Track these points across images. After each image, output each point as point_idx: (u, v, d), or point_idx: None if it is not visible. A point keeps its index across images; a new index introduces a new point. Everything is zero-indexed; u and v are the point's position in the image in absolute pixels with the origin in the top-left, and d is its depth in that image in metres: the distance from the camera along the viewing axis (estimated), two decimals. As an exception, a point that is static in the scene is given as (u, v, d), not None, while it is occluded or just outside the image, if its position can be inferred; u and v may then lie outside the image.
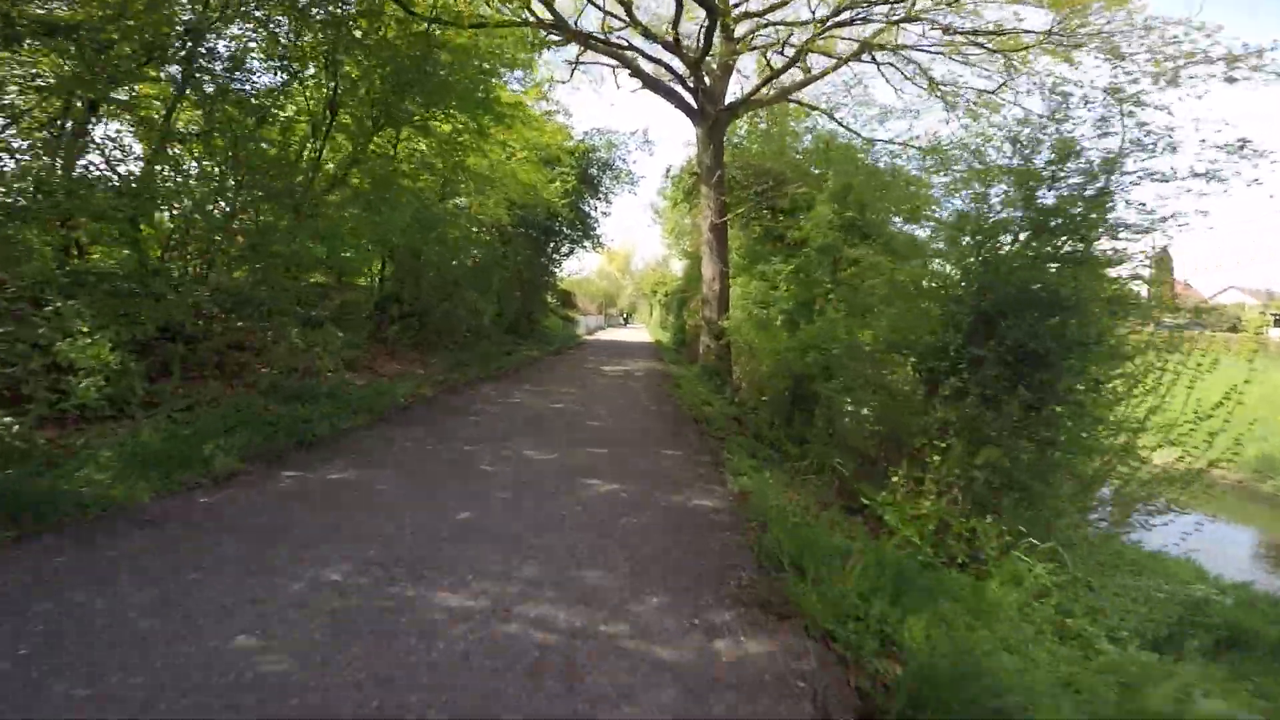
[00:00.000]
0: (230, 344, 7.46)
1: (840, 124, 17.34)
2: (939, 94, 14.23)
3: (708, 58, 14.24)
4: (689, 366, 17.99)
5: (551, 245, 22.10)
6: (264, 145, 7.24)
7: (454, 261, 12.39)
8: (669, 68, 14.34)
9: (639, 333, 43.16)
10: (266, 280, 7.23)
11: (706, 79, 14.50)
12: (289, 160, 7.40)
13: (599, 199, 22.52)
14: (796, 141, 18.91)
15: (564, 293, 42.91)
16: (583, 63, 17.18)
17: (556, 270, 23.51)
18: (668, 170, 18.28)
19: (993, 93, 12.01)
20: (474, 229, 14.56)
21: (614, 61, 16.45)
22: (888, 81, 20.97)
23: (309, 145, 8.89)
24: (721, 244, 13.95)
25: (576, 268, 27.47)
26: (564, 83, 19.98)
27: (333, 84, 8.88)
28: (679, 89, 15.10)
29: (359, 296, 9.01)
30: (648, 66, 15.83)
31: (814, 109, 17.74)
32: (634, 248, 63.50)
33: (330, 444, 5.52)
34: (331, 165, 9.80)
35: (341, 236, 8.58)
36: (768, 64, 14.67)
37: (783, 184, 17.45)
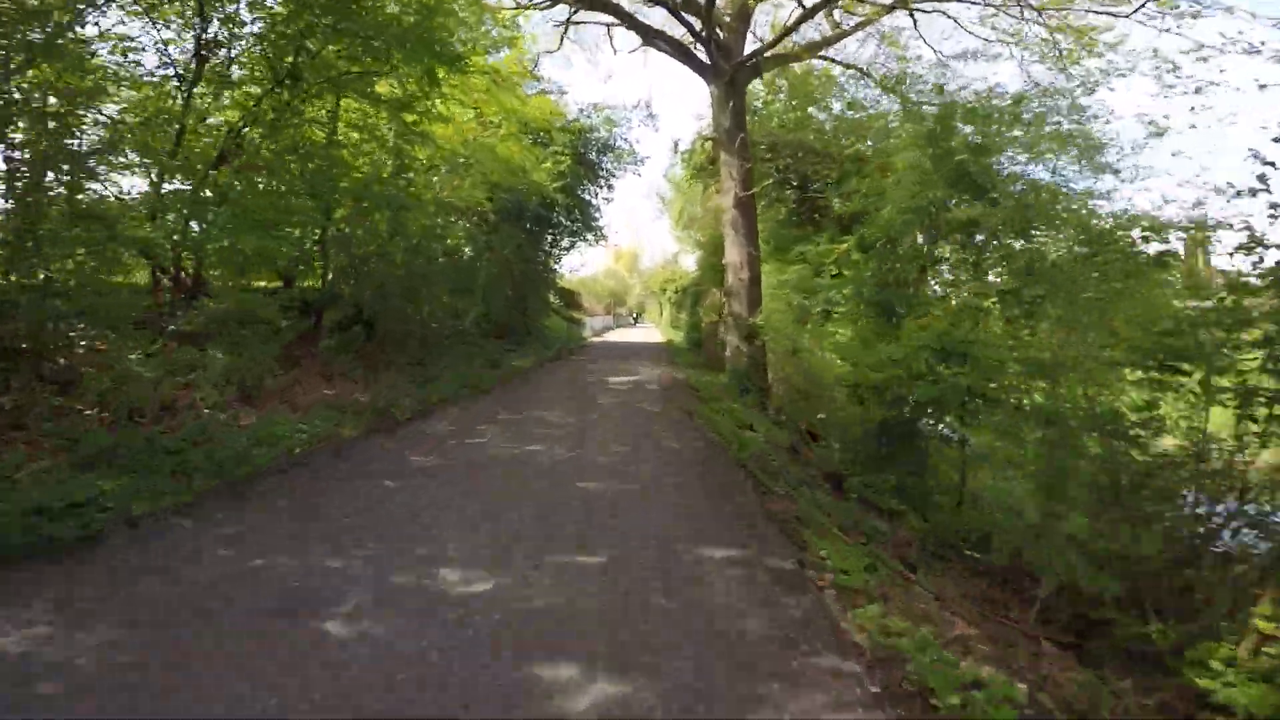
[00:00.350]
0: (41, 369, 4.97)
1: (880, 85, 14.70)
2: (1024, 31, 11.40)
3: (719, 4, 11.65)
4: (710, 372, 15.30)
5: (550, 237, 19.55)
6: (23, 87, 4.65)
7: (420, 252, 9.80)
8: (676, 12, 11.70)
9: (649, 332, 40.43)
10: (78, 278, 4.70)
11: (720, 31, 11.87)
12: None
13: (599, 184, 19.94)
14: (824, 110, 16.33)
15: (568, 292, 40.32)
16: (574, 22, 14.65)
17: (556, 266, 20.93)
18: (675, 145, 15.66)
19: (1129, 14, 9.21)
20: (450, 216, 12.03)
21: (610, 18, 13.94)
22: (925, 40, 18.21)
23: (170, 99, 6.42)
24: (750, 221, 11.26)
25: (578, 263, 24.77)
26: (552, 52, 17.49)
27: (198, 20, 6.39)
28: (689, 44, 12.52)
29: (256, 301, 6.43)
30: (652, 20, 13.29)
31: (847, 67, 15.10)
32: (641, 246, 60.96)
33: (55, 562, 2.93)
34: (236, 131, 7.31)
35: (218, 218, 6.02)
36: (799, 2, 11.95)
37: (810, 155, 14.81)
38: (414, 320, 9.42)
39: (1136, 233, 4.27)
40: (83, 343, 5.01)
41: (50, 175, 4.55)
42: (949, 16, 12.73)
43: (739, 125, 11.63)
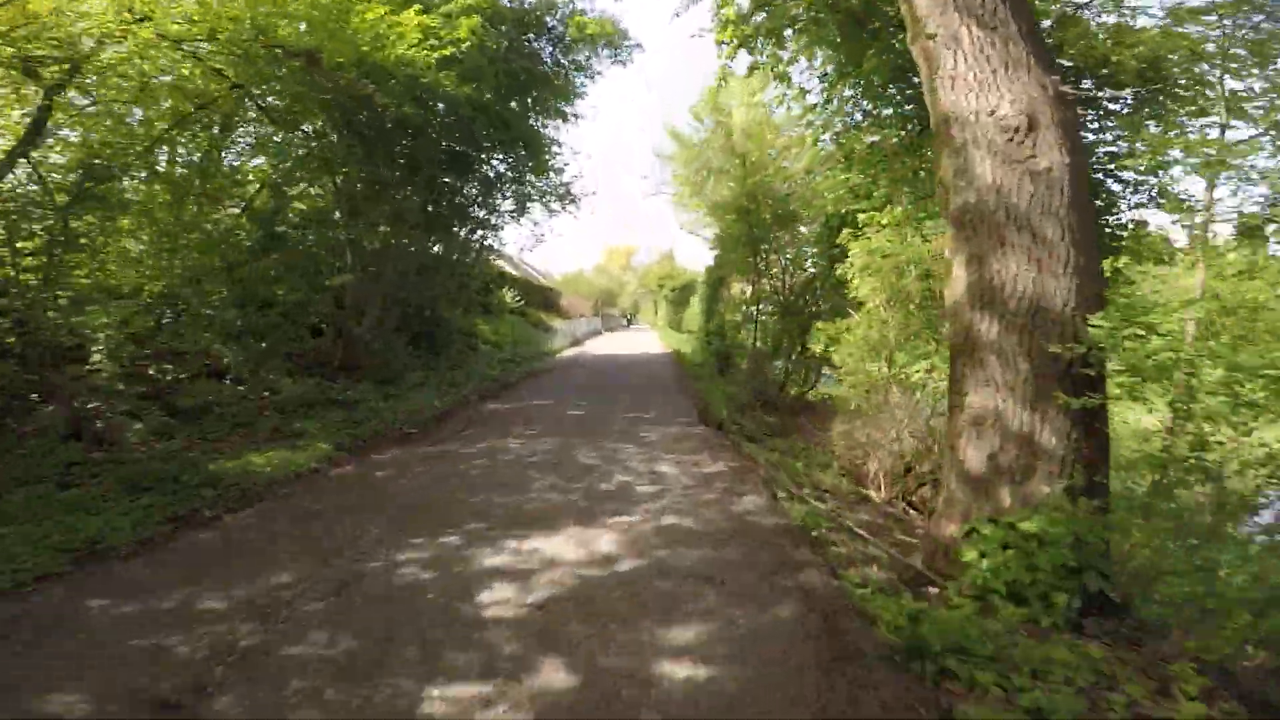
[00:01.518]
0: None
1: None
2: None
3: None
4: (797, 436, 7.18)
5: (476, 193, 11.32)
6: None
7: None
8: None
9: (645, 337, 31.91)
10: None
11: None
12: None
13: (556, 108, 11.68)
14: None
15: (544, 290, 32.05)
16: None
17: (491, 241, 12.61)
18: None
19: None
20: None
21: None
22: None
23: None
24: (1024, 8, 3.21)
25: (529, 239, 15.54)
26: None
27: None
28: None
29: None
30: None
31: None
32: (638, 244, 53.04)
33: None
34: None
35: None
36: None
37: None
38: None
39: None
40: None
41: None
42: None
43: None
